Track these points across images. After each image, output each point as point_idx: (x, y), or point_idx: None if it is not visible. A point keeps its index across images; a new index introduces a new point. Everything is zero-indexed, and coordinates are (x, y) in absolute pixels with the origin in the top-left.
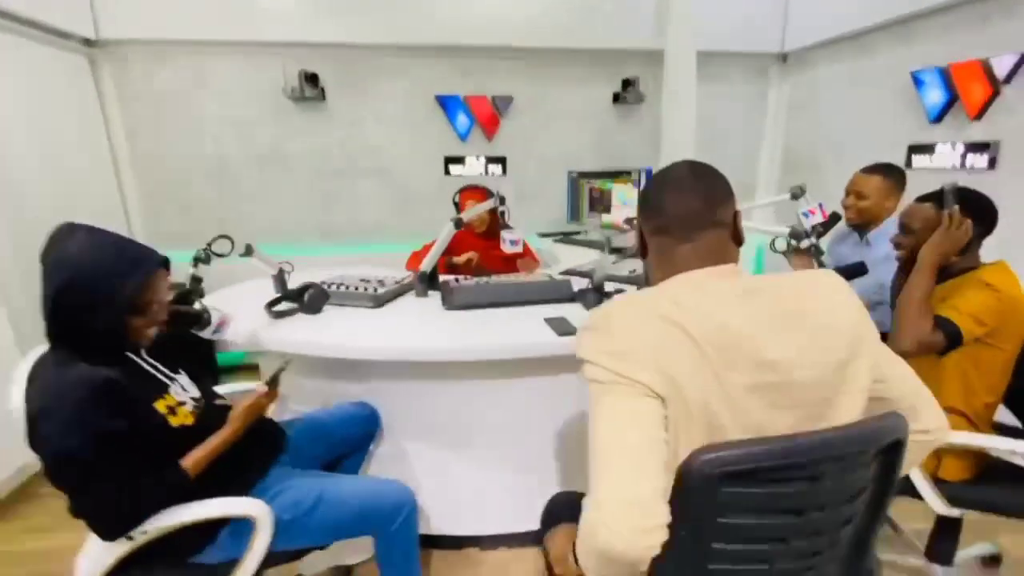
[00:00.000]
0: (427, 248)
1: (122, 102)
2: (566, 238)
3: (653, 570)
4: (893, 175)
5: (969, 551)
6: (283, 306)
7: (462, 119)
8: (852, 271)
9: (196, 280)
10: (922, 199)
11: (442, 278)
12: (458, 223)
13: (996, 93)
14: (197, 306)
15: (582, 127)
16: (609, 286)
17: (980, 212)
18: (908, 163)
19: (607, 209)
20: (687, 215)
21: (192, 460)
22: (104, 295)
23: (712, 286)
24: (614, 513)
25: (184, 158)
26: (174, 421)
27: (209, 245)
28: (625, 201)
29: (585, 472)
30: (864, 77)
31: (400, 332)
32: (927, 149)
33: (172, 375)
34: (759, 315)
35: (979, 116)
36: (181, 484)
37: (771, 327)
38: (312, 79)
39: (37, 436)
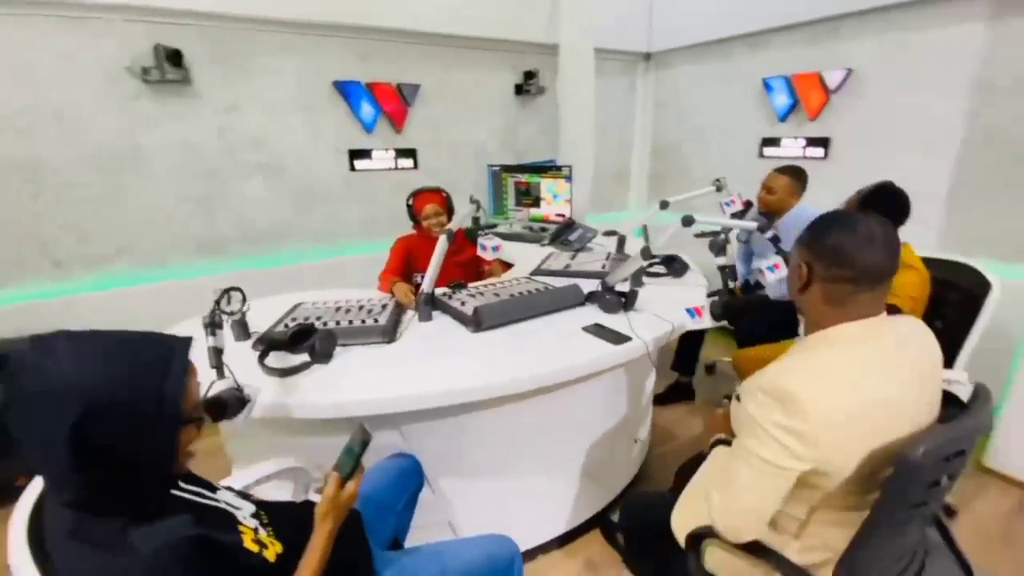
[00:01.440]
0: (392, 265)
1: None
2: (485, 233)
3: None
4: (799, 177)
5: None
6: (275, 358)
7: (367, 108)
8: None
9: (218, 353)
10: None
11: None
12: (451, 236)
13: (828, 100)
14: (224, 385)
15: (488, 118)
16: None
17: (896, 210)
18: (761, 153)
19: (536, 203)
20: (878, 269)
21: None
22: (148, 411)
23: (876, 349)
24: (737, 531)
25: None
26: (269, 555)
27: (217, 304)
28: (556, 195)
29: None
30: (722, 79)
31: (440, 371)
32: (775, 142)
33: (215, 496)
34: (910, 384)
35: (816, 118)
36: None
37: (915, 395)
38: (174, 57)
39: None
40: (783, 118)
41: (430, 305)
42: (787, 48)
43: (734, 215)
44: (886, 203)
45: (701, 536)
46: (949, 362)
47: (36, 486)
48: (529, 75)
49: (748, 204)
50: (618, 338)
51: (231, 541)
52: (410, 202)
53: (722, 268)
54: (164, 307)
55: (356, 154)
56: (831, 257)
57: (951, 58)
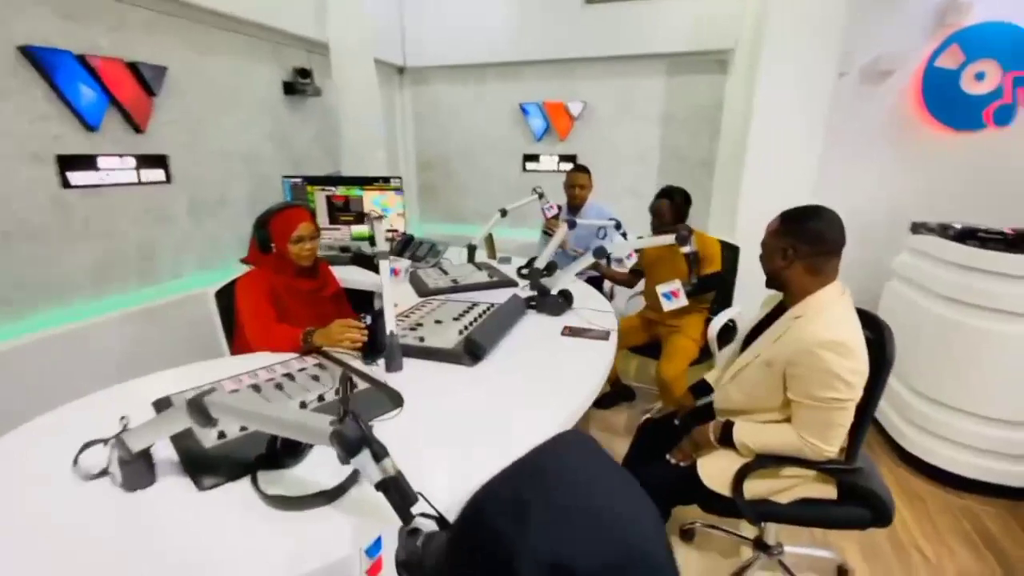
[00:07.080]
0: (271, 314)
1: None
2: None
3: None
4: (589, 172)
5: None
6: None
7: (87, 93)
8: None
9: None
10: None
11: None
12: (379, 256)
13: (573, 124)
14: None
15: (258, 119)
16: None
17: (686, 198)
18: (524, 168)
19: (359, 219)
20: (840, 241)
21: None
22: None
23: (850, 301)
24: (829, 454)
25: None
26: None
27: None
28: (387, 210)
29: None
30: (480, 100)
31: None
32: (535, 158)
33: None
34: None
35: (565, 138)
36: None
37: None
38: None
39: None
40: (539, 138)
41: (400, 350)
42: (537, 80)
43: (555, 216)
44: (681, 196)
45: (740, 478)
46: (728, 303)
47: None
48: (303, 73)
49: (560, 208)
50: (601, 335)
51: None
52: (266, 223)
53: (686, 255)
54: None
55: (70, 163)
56: (813, 239)
57: (649, 99)
